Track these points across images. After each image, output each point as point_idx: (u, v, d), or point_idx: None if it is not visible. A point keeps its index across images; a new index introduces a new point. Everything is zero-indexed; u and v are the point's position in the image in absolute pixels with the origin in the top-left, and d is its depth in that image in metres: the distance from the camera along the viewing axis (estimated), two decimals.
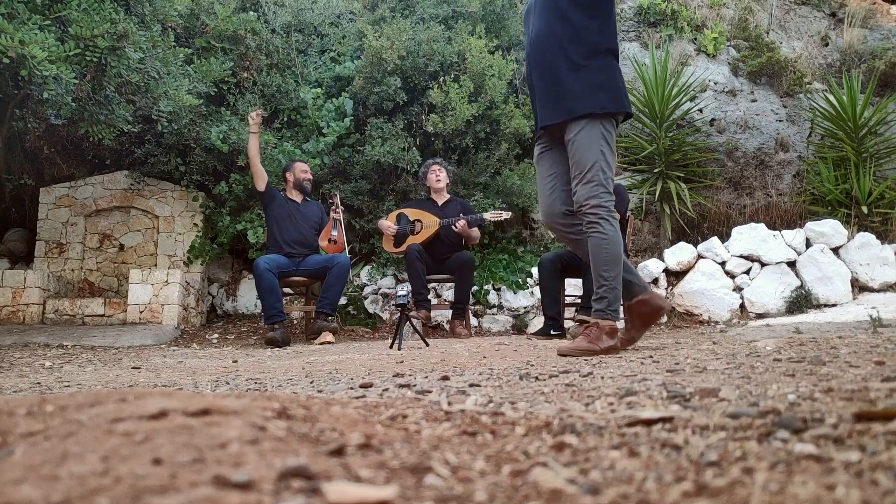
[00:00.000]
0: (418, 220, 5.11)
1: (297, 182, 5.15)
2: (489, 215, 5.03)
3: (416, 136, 6.14)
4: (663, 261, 5.64)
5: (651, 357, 2.13)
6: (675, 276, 5.65)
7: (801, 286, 5.34)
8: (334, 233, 5.09)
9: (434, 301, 5.57)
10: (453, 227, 4.94)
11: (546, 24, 2.64)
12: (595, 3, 2.62)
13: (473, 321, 5.63)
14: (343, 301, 5.77)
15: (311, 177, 5.25)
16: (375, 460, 0.70)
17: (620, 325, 2.67)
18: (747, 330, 4.51)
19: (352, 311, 5.96)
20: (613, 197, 2.58)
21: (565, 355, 2.46)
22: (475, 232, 5.10)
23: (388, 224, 5.16)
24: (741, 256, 5.52)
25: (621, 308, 2.64)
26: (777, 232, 5.59)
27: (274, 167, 5.69)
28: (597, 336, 2.50)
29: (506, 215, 5.05)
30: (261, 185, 5.02)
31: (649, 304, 2.65)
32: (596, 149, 2.55)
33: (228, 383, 2.11)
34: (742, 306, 5.40)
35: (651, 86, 6.19)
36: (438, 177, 5.18)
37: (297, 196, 5.18)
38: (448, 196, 5.26)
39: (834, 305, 5.23)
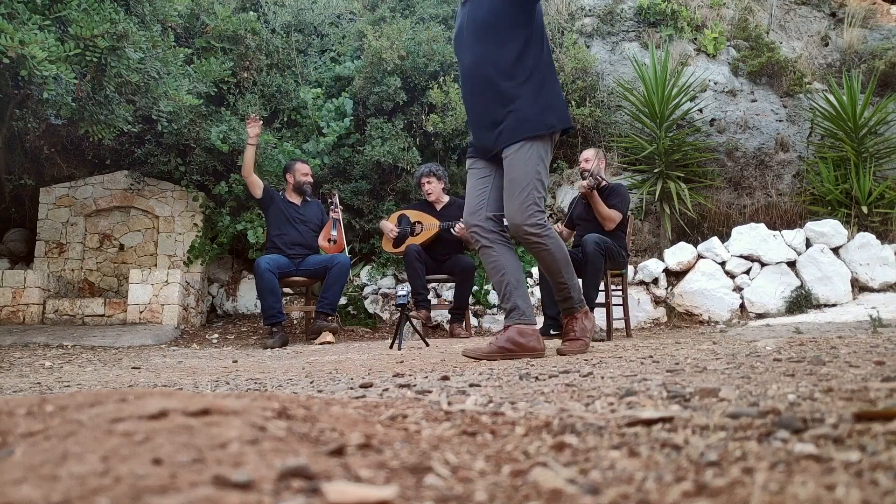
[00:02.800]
0: (419, 222, 5.11)
1: (297, 185, 5.13)
2: None
3: (416, 136, 6.14)
4: (663, 261, 5.64)
5: (651, 357, 2.13)
6: (675, 276, 5.65)
7: (801, 286, 5.34)
8: (333, 233, 5.08)
9: (434, 301, 5.57)
10: (452, 230, 4.92)
11: (482, 50, 2.57)
12: (524, 19, 2.54)
13: (473, 321, 5.63)
14: (343, 301, 5.77)
15: (311, 179, 5.23)
16: (375, 460, 0.70)
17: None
18: (747, 330, 4.51)
19: (352, 311, 5.96)
20: (545, 213, 2.63)
21: (566, 353, 2.57)
22: None
23: (389, 226, 5.15)
24: (741, 256, 5.52)
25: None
26: (777, 232, 5.59)
27: (274, 167, 5.69)
28: (584, 328, 2.74)
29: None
30: (257, 192, 5.01)
31: (526, 337, 2.57)
32: (532, 168, 2.54)
33: (228, 383, 2.11)
34: (742, 306, 5.40)
35: (651, 86, 6.19)
36: (428, 189, 5.14)
37: (296, 198, 5.16)
38: (447, 199, 5.24)
39: (834, 305, 5.23)
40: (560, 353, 2.57)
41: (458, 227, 4.88)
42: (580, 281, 4.43)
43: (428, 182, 5.14)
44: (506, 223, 2.70)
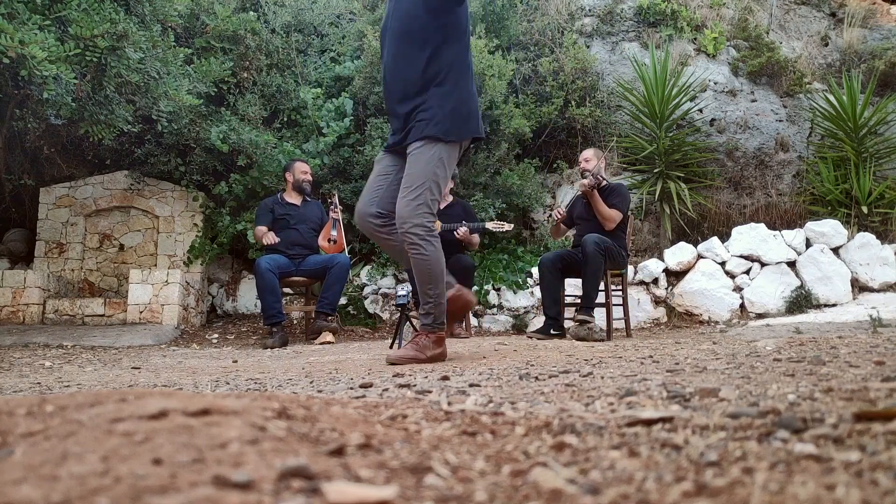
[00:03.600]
0: None
1: (297, 184, 5.12)
2: (491, 225, 5.00)
3: None
4: (663, 261, 5.64)
5: (651, 357, 2.13)
6: (675, 276, 5.65)
7: (801, 286, 5.34)
8: (333, 233, 5.08)
9: None
10: (455, 233, 4.91)
11: (398, 50, 2.63)
12: (443, 22, 2.57)
13: (473, 321, 5.63)
14: (343, 301, 5.76)
15: (310, 178, 5.22)
16: (375, 460, 0.70)
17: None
18: (747, 330, 4.51)
19: (352, 311, 5.96)
20: (434, 218, 2.61)
21: (394, 363, 2.56)
22: (475, 238, 5.07)
23: None
24: (741, 256, 5.52)
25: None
26: (777, 232, 5.59)
27: (274, 167, 5.69)
28: (424, 345, 2.62)
29: (508, 227, 5.01)
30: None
31: (460, 300, 2.74)
32: (431, 169, 2.55)
33: (228, 383, 2.10)
34: (742, 306, 5.40)
35: (651, 86, 6.19)
36: None
37: (295, 198, 5.15)
38: (451, 198, 5.24)
39: (834, 305, 5.23)
40: (388, 361, 2.60)
41: (462, 231, 4.87)
42: (581, 281, 4.45)
43: None
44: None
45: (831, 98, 6.44)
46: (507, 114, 6.01)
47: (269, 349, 4.42)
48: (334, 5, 6.95)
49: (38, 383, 2.39)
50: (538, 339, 4.17)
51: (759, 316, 5.29)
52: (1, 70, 3.80)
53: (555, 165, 6.68)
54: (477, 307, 5.73)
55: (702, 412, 0.93)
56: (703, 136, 6.70)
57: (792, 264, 5.47)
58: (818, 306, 5.25)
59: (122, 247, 6.25)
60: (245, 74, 6.10)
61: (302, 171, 5.15)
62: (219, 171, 6.02)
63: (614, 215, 4.49)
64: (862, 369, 1.37)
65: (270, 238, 4.86)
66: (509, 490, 0.63)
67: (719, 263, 5.53)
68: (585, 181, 4.50)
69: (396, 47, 2.64)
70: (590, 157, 4.68)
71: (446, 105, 2.57)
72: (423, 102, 2.57)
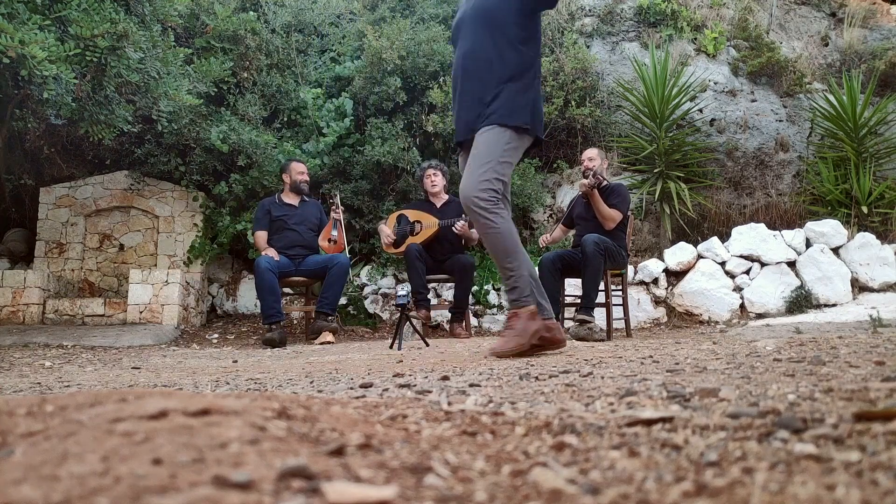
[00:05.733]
0: (418, 222, 5.10)
1: (294, 184, 5.12)
2: None
3: (416, 136, 6.14)
4: (663, 261, 5.64)
5: (651, 357, 2.13)
6: (675, 276, 5.65)
7: (801, 286, 5.34)
8: (334, 233, 5.08)
9: (434, 301, 5.56)
10: (454, 228, 4.92)
11: (479, 38, 2.62)
12: (528, 21, 2.61)
13: (473, 321, 5.63)
14: (343, 301, 5.76)
15: (307, 178, 5.21)
16: (375, 460, 0.70)
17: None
18: (747, 330, 4.51)
19: (352, 311, 5.96)
20: (499, 194, 2.53)
21: (500, 356, 2.44)
22: (475, 233, 5.08)
23: (387, 232, 5.13)
24: (741, 256, 5.52)
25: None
26: (777, 232, 5.59)
27: (274, 167, 5.69)
28: (523, 327, 2.47)
29: None
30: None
31: (551, 332, 2.55)
32: (499, 150, 2.52)
33: (228, 383, 2.10)
34: (742, 306, 5.40)
35: (651, 86, 6.19)
36: (434, 181, 5.16)
37: (293, 198, 5.15)
38: (447, 197, 5.25)
39: (834, 305, 5.23)
40: (492, 352, 2.48)
41: (460, 225, 4.88)
42: (581, 281, 4.45)
43: (434, 174, 5.16)
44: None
45: (831, 98, 6.44)
46: None
47: (268, 347, 4.42)
48: (334, 5, 6.95)
49: (38, 383, 2.39)
50: None
51: (759, 316, 5.29)
52: (1, 70, 3.80)
53: (555, 165, 6.68)
54: (477, 307, 5.73)
55: (702, 412, 0.93)
56: (703, 136, 6.70)
57: (792, 264, 5.47)
58: (818, 306, 5.25)
59: (122, 247, 6.25)
60: (245, 74, 6.11)
61: (298, 171, 5.14)
62: (219, 171, 6.02)
63: (614, 215, 4.49)
64: (862, 369, 1.37)
65: (272, 253, 4.87)
66: (509, 490, 0.63)
67: (719, 263, 5.53)
68: (586, 181, 4.50)
69: (482, 34, 2.62)
70: (594, 157, 4.68)
71: (523, 98, 2.57)
72: (504, 90, 2.56)
